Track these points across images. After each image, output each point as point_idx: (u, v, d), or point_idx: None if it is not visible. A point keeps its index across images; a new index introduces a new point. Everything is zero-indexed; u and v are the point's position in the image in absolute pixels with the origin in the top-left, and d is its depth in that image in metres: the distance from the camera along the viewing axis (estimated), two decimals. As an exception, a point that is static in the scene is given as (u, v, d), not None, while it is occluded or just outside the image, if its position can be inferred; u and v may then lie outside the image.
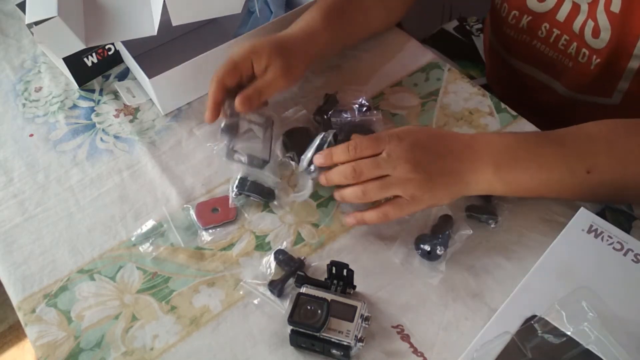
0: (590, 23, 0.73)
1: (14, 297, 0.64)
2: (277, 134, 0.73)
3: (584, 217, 0.59)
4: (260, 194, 0.68)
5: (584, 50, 0.77)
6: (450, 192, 0.61)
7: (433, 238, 0.62)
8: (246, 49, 0.68)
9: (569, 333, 0.51)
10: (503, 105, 0.76)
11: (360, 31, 0.83)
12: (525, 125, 0.74)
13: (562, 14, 0.77)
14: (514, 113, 0.75)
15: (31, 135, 0.81)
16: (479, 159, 0.60)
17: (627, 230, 0.63)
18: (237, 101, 0.67)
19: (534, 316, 0.53)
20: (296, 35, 0.73)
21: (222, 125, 0.70)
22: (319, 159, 0.63)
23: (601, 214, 0.64)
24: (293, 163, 0.70)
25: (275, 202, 0.68)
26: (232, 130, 0.71)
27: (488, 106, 0.77)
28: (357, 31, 0.82)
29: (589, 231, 0.58)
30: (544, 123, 0.73)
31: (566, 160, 0.60)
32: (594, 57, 0.76)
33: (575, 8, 0.75)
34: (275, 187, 0.69)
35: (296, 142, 0.70)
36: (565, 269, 0.55)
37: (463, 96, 0.78)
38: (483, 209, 0.65)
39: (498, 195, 0.63)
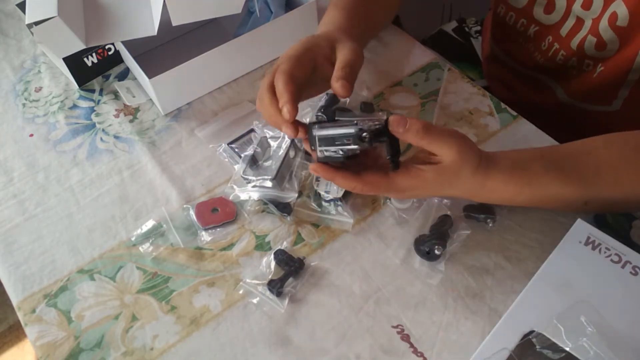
0: (592, 39, 0.73)
1: (14, 297, 0.64)
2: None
3: (581, 228, 0.58)
4: (277, 206, 0.67)
5: (587, 61, 0.77)
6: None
7: (432, 238, 0.62)
8: (302, 42, 0.63)
9: (567, 349, 0.51)
10: (503, 105, 0.76)
11: (378, 28, 0.83)
12: (525, 125, 0.74)
13: (565, 29, 0.77)
14: (514, 113, 0.75)
15: (31, 135, 0.81)
16: (475, 196, 0.60)
17: (627, 230, 0.63)
18: (339, 86, 0.58)
19: (532, 331, 0.52)
20: (331, 30, 0.70)
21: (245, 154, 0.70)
22: (316, 173, 0.57)
23: (601, 214, 0.64)
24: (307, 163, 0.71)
25: (289, 219, 0.67)
26: (253, 160, 0.70)
27: (488, 106, 0.77)
28: (377, 27, 0.82)
29: (587, 243, 0.57)
30: (543, 127, 0.73)
31: (567, 197, 0.58)
32: (599, 65, 0.75)
33: (579, 23, 0.75)
34: (293, 201, 0.68)
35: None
36: (563, 283, 0.55)
37: (463, 96, 0.78)
38: (481, 208, 0.64)
39: None
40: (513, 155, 0.59)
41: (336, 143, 0.54)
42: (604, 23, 0.71)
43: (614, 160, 0.58)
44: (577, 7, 0.74)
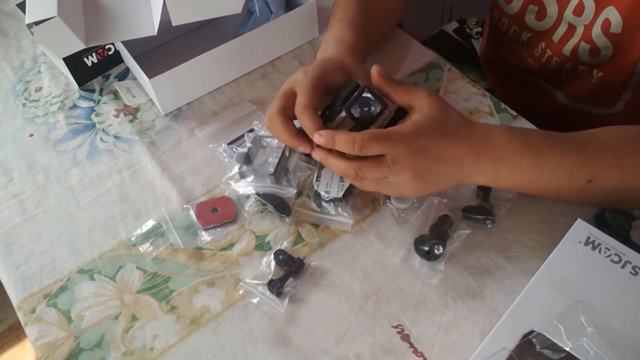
0: (585, 46, 0.73)
1: (14, 297, 0.64)
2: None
3: (581, 228, 0.58)
4: (276, 207, 0.67)
5: (581, 67, 0.77)
6: (441, 190, 0.61)
7: (432, 238, 0.62)
8: (314, 73, 0.62)
9: (567, 349, 0.51)
10: (503, 105, 0.76)
11: (382, 40, 0.83)
12: (526, 125, 0.74)
13: (557, 36, 0.77)
14: (514, 113, 0.75)
15: (31, 135, 0.81)
16: (480, 165, 0.57)
17: (627, 230, 0.63)
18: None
19: (532, 331, 0.52)
20: (339, 52, 0.69)
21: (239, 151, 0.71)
22: (319, 138, 0.57)
23: (600, 214, 0.64)
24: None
25: (288, 220, 0.67)
26: (247, 157, 0.70)
27: (488, 106, 0.77)
28: (381, 39, 0.83)
29: (587, 243, 0.57)
30: (544, 129, 0.73)
31: (569, 169, 0.57)
32: (595, 71, 0.75)
33: (571, 29, 0.75)
34: (292, 201, 0.68)
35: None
36: (563, 283, 0.55)
37: (463, 96, 0.78)
38: (480, 209, 0.64)
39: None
40: (511, 127, 0.60)
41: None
42: (596, 30, 0.71)
43: (615, 143, 0.58)
44: (568, 14, 0.74)
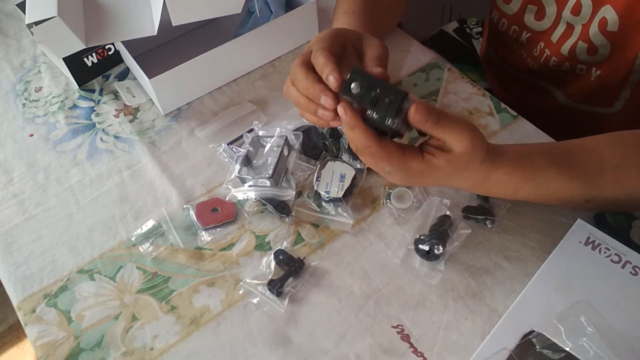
0: (582, 45, 0.73)
1: (14, 297, 0.64)
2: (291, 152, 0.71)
3: (581, 229, 0.58)
4: (275, 207, 0.67)
5: (580, 66, 0.77)
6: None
7: (432, 238, 0.62)
8: (332, 29, 0.62)
9: (567, 349, 0.51)
10: (503, 105, 0.76)
11: (389, 29, 0.83)
12: (526, 126, 0.74)
13: (556, 35, 0.77)
14: (514, 113, 0.75)
15: (31, 135, 0.81)
16: (478, 189, 0.60)
17: (627, 230, 0.63)
18: (379, 72, 0.58)
19: (532, 331, 0.52)
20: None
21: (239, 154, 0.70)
22: (343, 114, 0.53)
23: (600, 214, 0.64)
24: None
25: (287, 220, 0.67)
26: (247, 159, 0.70)
27: (488, 106, 0.77)
28: (385, 32, 0.82)
29: (587, 243, 0.57)
30: (545, 129, 0.73)
31: (568, 195, 0.58)
32: (593, 69, 0.76)
33: (569, 29, 0.75)
34: (292, 201, 0.68)
35: (304, 138, 0.71)
36: (563, 283, 0.55)
37: (463, 96, 0.78)
38: (480, 209, 0.64)
39: None
40: (519, 149, 0.59)
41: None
42: (594, 29, 0.71)
43: (616, 160, 0.58)
44: (566, 13, 0.74)
